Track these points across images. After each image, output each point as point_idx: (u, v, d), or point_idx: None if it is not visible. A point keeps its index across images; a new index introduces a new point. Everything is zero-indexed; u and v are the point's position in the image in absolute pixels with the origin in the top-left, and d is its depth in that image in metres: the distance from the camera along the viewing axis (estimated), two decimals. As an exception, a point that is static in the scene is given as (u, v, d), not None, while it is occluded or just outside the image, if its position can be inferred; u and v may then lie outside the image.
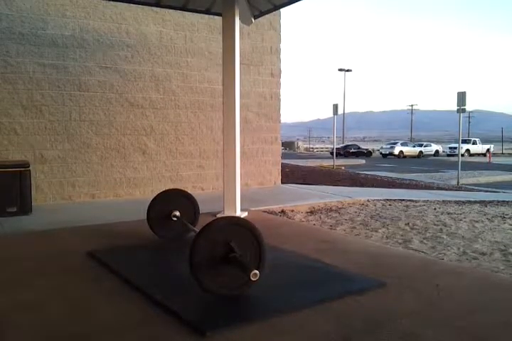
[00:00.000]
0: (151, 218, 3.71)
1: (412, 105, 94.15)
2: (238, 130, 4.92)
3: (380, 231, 5.05)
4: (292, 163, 19.38)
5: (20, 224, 4.77)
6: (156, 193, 3.86)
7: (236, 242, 2.41)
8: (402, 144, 37.83)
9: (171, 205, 3.73)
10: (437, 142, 58.28)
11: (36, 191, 5.85)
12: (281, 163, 8.55)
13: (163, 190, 3.93)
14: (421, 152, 36.23)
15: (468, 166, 20.07)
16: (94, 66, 6.30)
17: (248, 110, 7.58)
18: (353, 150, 36.56)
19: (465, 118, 65.36)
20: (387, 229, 5.17)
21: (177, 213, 3.71)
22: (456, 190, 10.34)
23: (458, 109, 13.64)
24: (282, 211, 5.92)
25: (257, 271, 2.26)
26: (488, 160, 28.92)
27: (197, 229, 3.29)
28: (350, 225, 5.33)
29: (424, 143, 41.31)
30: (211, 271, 2.36)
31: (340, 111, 27.46)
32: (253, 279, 2.26)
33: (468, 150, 36.66)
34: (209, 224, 2.43)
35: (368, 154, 36.87)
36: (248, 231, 2.49)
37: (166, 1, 5.30)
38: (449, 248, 4.35)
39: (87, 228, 4.42)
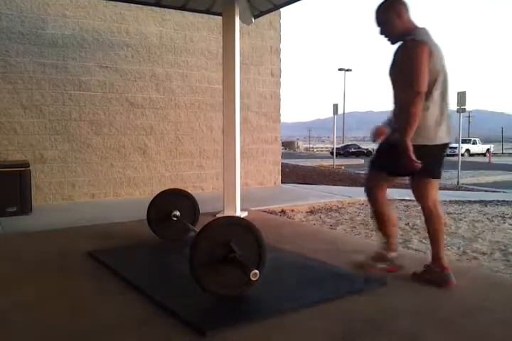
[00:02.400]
0: (151, 218, 3.71)
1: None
2: (238, 130, 4.92)
3: (380, 231, 5.04)
4: (292, 162, 19.39)
5: (20, 223, 4.77)
6: (156, 193, 3.86)
7: (236, 242, 2.41)
8: (402, 144, 37.77)
9: (171, 205, 3.73)
10: (437, 142, 58.18)
11: (36, 191, 5.85)
12: (281, 163, 8.56)
13: (163, 189, 3.92)
14: (421, 152, 36.20)
15: (468, 166, 20.06)
16: (94, 66, 6.30)
17: (248, 110, 7.57)
18: (353, 150, 36.57)
19: (465, 118, 65.31)
20: (387, 228, 5.16)
21: (177, 213, 3.70)
22: (456, 190, 10.33)
23: (458, 109, 13.63)
24: (282, 211, 5.92)
25: (256, 271, 2.26)
26: (488, 160, 28.92)
27: (197, 228, 3.29)
28: (351, 225, 5.33)
29: (424, 143, 41.27)
30: (211, 271, 2.36)
31: (340, 111, 27.49)
32: (253, 279, 2.26)
33: (468, 150, 36.63)
34: (209, 223, 2.43)
35: (367, 154, 36.83)
36: (248, 231, 2.49)
37: (166, 1, 5.29)
38: (449, 247, 4.35)
39: (87, 228, 4.42)
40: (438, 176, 2.73)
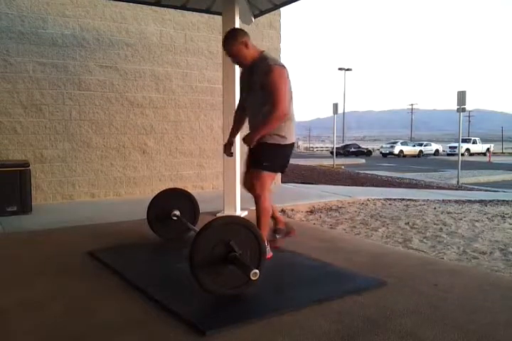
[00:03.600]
0: (151, 217, 3.71)
1: (412, 104, 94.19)
2: (238, 129, 4.91)
3: (380, 230, 5.05)
4: (292, 162, 19.38)
5: (20, 223, 4.77)
6: (156, 192, 3.86)
7: (236, 241, 2.41)
8: (402, 143, 37.84)
9: (171, 204, 3.72)
10: (437, 141, 58.32)
11: (36, 190, 5.85)
12: (281, 163, 8.53)
13: (163, 189, 3.92)
14: (421, 151, 36.24)
15: (468, 165, 20.08)
16: (94, 65, 6.29)
17: (248, 109, 7.56)
18: (353, 149, 36.55)
19: (465, 118, 65.40)
20: (387, 228, 5.17)
21: (177, 212, 3.70)
22: (456, 190, 10.34)
23: (458, 109, 13.64)
24: (282, 210, 5.92)
25: (256, 271, 2.26)
26: (488, 160, 28.93)
27: (197, 228, 3.29)
28: (350, 224, 5.34)
29: (424, 143, 41.31)
30: (211, 271, 2.36)
31: (340, 111, 27.48)
32: (253, 278, 2.26)
33: (468, 150, 36.65)
34: (209, 223, 2.43)
35: (367, 153, 36.87)
36: (248, 231, 2.49)
37: (166, 0, 5.28)
38: (449, 247, 4.35)
39: (87, 227, 4.42)
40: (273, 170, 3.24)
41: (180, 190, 3.92)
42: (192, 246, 2.35)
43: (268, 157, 3.17)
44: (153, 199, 3.74)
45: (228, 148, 3.46)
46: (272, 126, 3.04)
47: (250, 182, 3.23)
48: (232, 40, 3.11)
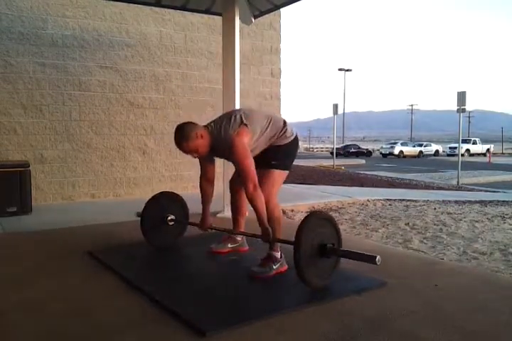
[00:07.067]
0: (148, 231, 3.50)
1: (412, 105, 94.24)
2: (238, 130, 4.91)
3: (380, 231, 5.05)
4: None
5: (20, 223, 4.78)
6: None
7: (331, 235, 2.63)
8: (402, 144, 37.81)
9: (162, 211, 3.54)
10: (437, 142, 58.33)
11: (36, 191, 5.85)
12: (281, 163, 8.53)
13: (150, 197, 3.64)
14: (421, 152, 36.20)
15: (468, 166, 20.06)
16: (94, 66, 6.30)
17: (248, 110, 7.57)
18: (353, 150, 36.51)
19: (465, 118, 65.35)
20: (387, 228, 5.17)
21: (172, 216, 3.55)
22: (456, 190, 10.35)
23: (458, 109, 13.63)
24: (282, 211, 5.91)
25: (379, 256, 2.39)
26: (488, 160, 28.91)
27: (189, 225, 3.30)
28: (351, 225, 5.34)
29: (424, 143, 41.27)
30: (313, 263, 2.50)
31: (340, 111, 27.46)
32: (378, 264, 2.40)
33: (468, 150, 36.61)
34: (305, 220, 2.53)
35: (367, 154, 36.83)
36: (333, 226, 2.68)
37: (166, 1, 5.29)
38: (449, 248, 4.35)
39: (87, 228, 4.42)
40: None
41: (161, 193, 3.72)
42: (297, 245, 2.42)
43: (278, 156, 3.00)
44: (142, 215, 3.49)
45: (205, 225, 3.20)
46: (261, 205, 2.71)
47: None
48: (185, 139, 2.74)
